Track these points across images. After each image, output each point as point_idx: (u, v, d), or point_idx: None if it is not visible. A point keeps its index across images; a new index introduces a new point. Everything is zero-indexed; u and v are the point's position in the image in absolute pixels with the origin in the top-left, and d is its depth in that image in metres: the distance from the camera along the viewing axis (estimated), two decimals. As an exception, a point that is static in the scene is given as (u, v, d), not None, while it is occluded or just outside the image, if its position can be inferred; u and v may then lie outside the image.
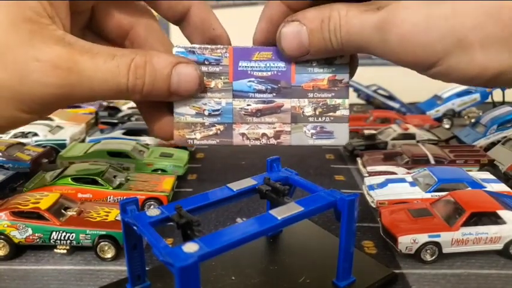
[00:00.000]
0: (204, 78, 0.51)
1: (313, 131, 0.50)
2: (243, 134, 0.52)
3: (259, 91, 0.50)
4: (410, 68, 0.44)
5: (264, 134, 0.51)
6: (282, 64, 0.50)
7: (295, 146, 0.51)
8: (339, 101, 0.50)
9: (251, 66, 0.50)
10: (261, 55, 0.50)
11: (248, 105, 0.51)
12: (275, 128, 0.51)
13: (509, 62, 0.38)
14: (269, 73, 0.50)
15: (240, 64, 0.51)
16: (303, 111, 0.50)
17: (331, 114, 0.50)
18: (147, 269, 0.84)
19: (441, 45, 0.38)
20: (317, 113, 0.50)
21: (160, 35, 0.53)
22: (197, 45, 0.51)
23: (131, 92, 0.45)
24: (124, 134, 1.73)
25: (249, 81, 0.50)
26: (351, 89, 0.60)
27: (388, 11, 0.40)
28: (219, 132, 0.53)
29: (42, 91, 0.42)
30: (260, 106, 0.51)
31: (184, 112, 0.53)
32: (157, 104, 0.52)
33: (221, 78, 0.51)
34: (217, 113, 0.53)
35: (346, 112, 0.49)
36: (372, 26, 0.40)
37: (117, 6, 0.52)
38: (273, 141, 0.51)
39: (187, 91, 0.49)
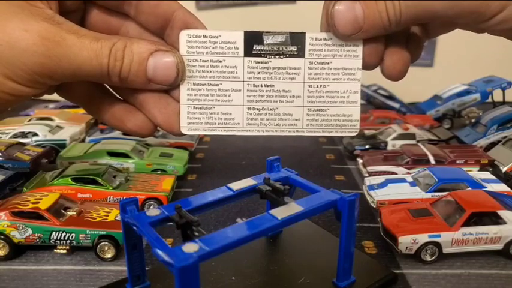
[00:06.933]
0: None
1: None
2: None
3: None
4: (472, 19, 0.45)
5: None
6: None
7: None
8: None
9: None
10: None
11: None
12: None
13: None
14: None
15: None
16: None
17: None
18: (147, 269, 0.84)
19: None
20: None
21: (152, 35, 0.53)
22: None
23: (111, 74, 0.47)
24: (124, 134, 1.73)
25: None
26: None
27: None
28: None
29: (30, 59, 0.43)
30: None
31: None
32: (163, 95, 0.53)
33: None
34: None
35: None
36: None
37: (106, 8, 0.52)
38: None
39: (164, 78, 0.49)
